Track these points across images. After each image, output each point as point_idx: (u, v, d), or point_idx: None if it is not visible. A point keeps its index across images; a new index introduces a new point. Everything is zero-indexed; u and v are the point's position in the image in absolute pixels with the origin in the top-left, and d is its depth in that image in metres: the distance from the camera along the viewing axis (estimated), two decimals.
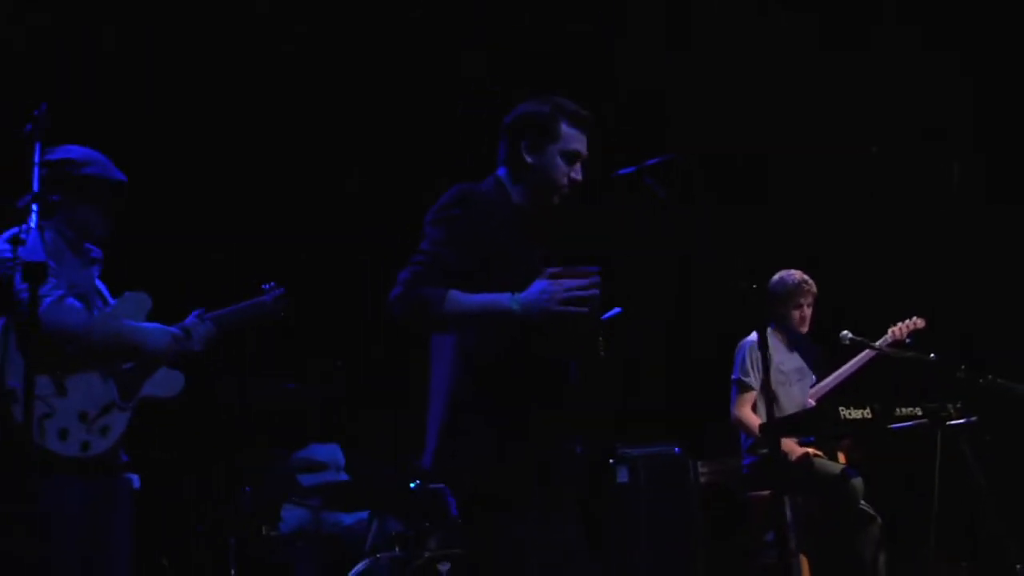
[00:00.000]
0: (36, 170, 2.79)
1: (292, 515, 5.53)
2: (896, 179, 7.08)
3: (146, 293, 3.36)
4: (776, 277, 5.31)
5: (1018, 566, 6.20)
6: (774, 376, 5.26)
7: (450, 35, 6.80)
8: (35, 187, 2.73)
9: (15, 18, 5.76)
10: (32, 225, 2.56)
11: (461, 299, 2.74)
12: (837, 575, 5.07)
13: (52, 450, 2.98)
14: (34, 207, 2.64)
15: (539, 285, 2.74)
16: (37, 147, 2.87)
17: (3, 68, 5.55)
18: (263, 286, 3.84)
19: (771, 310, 5.36)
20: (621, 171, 3.44)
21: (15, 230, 3.17)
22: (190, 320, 3.50)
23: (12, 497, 2.68)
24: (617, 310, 4.49)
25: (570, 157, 2.97)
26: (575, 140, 2.98)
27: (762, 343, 3.40)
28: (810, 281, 5.30)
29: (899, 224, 6.75)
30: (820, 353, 5.52)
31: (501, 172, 3.03)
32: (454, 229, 2.82)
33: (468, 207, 2.87)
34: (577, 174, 2.99)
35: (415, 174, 6.66)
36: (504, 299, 2.74)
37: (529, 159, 2.97)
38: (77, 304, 3.08)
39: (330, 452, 5.88)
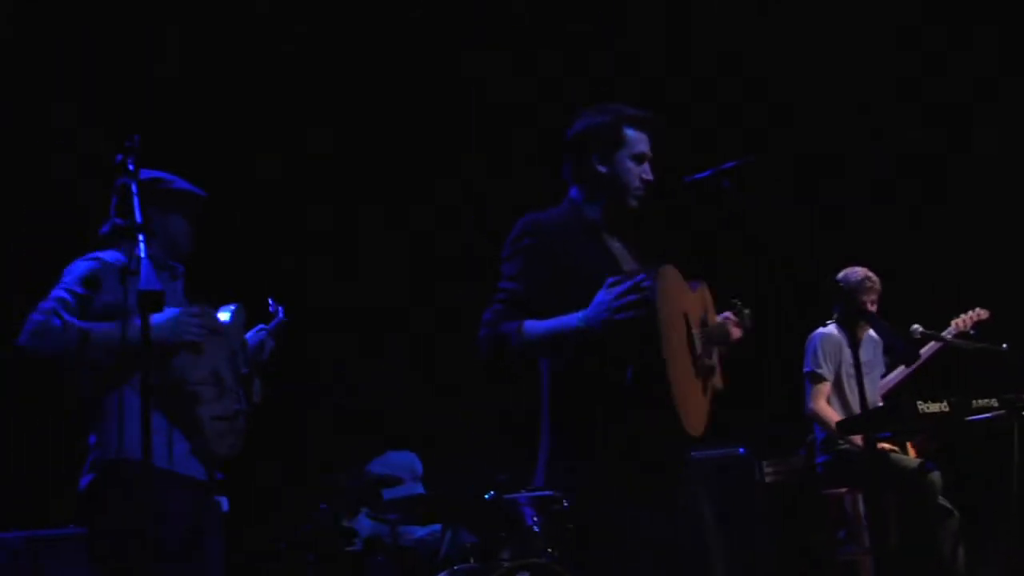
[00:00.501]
0: (136, 200, 2.83)
1: (366, 527, 5.57)
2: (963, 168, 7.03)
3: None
4: (840, 274, 5.29)
5: None
6: (844, 370, 5.26)
7: (451, 35, 6.84)
8: (138, 218, 2.77)
9: (14, 18, 5.85)
10: (142, 255, 2.60)
11: (534, 328, 2.81)
12: (916, 572, 5.03)
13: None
14: (140, 237, 2.69)
15: (597, 297, 2.78)
16: (134, 181, 2.90)
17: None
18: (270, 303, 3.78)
19: (834, 307, 5.35)
20: (697, 175, 3.43)
21: (95, 254, 3.24)
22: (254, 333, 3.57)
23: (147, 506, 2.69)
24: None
25: (638, 159, 3.04)
26: (640, 142, 3.05)
27: (852, 341, 3.38)
28: (874, 277, 5.28)
29: (961, 214, 6.70)
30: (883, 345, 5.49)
31: (573, 193, 3.09)
32: (525, 260, 2.90)
33: (536, 235, 2.94)
34: (647, 174, 3.05)
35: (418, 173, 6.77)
36: (571, 319, 2.79)
37: (602, 169, 3.02)
38: (55, 323, 3.03)
39: (407, 460, 5.92)
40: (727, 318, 3.15)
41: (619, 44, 6.84)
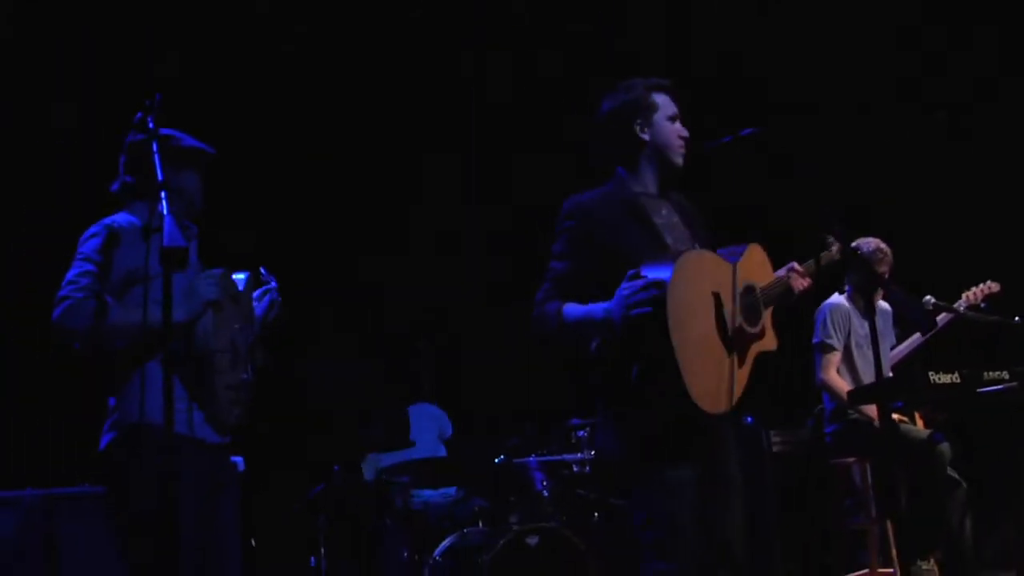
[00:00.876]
0: (157, 158, 2.83)
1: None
2: (966, 142, 7.02)
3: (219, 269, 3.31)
4: (855, 243, 5.28)
5: None
6: (853, 340, 5.27)
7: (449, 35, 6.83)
8: (159, 175, 2.76)
9: (15, 18, 5.83)
10: (165, 211, 2.60)
11: (571, 313, 2.96)
12: (923, 542, 5.05)
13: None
14: (163, 194, 2.69)
15: (618, 291, 2.89)
16: (155, 140, 2.90)
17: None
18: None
19: (847, 277, 5.36)
20: (715, 142, 3.44)
21: (112, 219, 3.24)
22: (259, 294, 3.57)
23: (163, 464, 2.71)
24: None
25: (672, 119, 3.20)
26: (669, 104, 3.22)
27: (868, 309, 3.38)
28: (886, 248, 5.27)
29: (973, 187, 6.69)
30: (895, 315, 5.49)
31: (620, 171, 3.21)
32: (569, 241, 3.04)
33: (577, 217, 3.07)
34: (683, 131, 3.21)
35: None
36: (598, 310, 2.92)
37: (645, 136, 3.17)
38: (90, 305, 3.02)
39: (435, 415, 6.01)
40: (791, 269, 3.24)
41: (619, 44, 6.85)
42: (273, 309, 3.56)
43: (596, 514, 5.39)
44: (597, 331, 2.94)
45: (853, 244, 5.22)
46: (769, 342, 3.18)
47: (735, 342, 3.04)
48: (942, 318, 5.29)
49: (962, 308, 5.30)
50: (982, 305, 5.38)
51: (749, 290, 3.12)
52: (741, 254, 3.15)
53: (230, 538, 3.29)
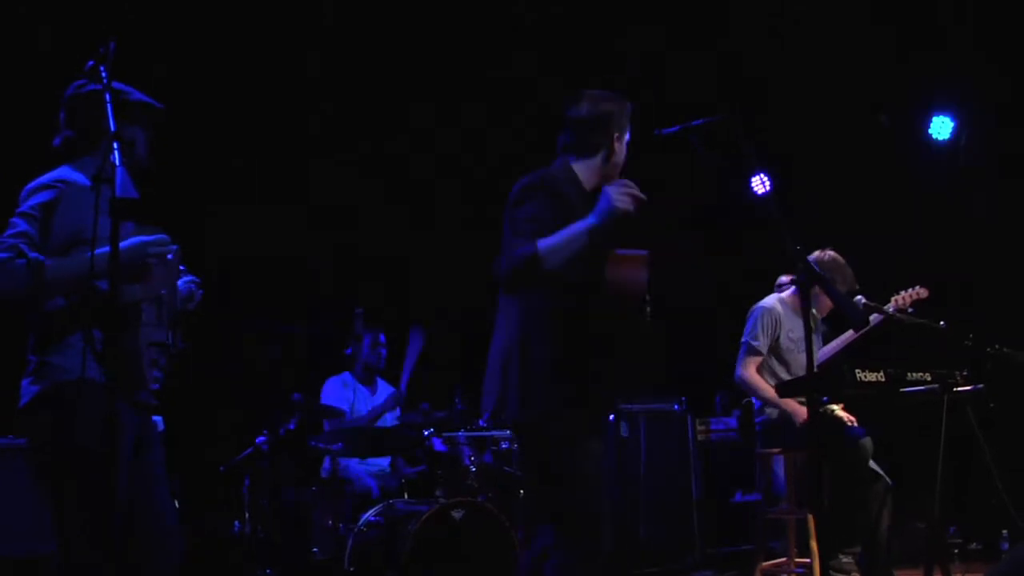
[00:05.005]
0: (110, 108, 2.77)
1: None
2: (902, 148, 7.20)
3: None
4: (813, 255, 5.37)
5: (1005, 532, 6.44)
6: (784, 343, 5.38)
7: None
8: (112, 126, 2.70)
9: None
10: (117, 162, 2.55)
11: (549, 239, 3.19)
12: (843, 534, 5.18)
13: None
14: (115, 145, 2.63)
15: (604, 192, 3.25)
16: (107, 89, 2.84)
17: None
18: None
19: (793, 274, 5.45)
20: (666, 130, 3.49)
21: (55, 175, 3.16)
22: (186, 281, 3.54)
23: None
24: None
25: (625, 145, 3.54)
26: (628, 131, 3.55)
27: (805, 305, 3.46)
28: (843, 263, 5.38)
29: (905, 193, 6.86)
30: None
31: (571, 159, 3.50)
32: (540, 203, 3.30)
33: (545, 186, 3.36)
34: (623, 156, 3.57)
35: None
36: (581, 223, 3.22)
37: (612, 147, 3.49)
38: (19, 264, 2.93)
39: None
40: None
41: None
42: (193, 300, 3.52)
43: (522, 491, 5.44)
44: (579, 243, 3.19)
45: (813, 256, 5.36)
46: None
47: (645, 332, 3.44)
48: (874, 318, 5.41)
49: (891, 310, 5.43)
50: (910, 310, 5.51)
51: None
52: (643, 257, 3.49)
53: (159, 493, 3.26)
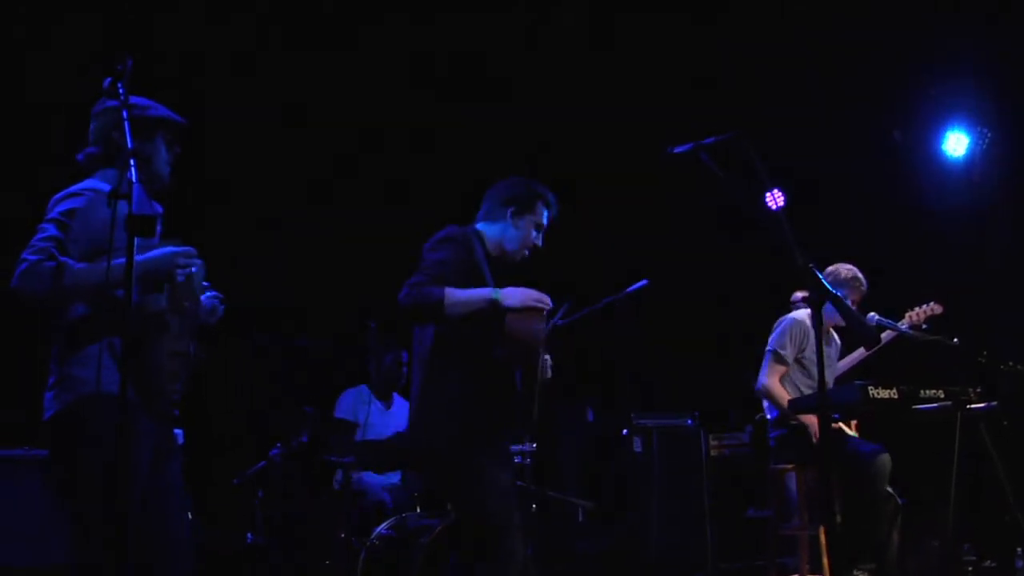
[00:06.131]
0: (127, 126, 2.80)
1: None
2: (915, 164, 7.20)
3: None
4: (831, 268, 5.39)
5: (1019, 549, 6.40)
6: (807, 357, 5.37)
7: None
8: (130, 143, 2.74)
9: None
10: (133, 179, 2.58)
11: (455, 291, 3.57)
12: (855, 551, 5.16)
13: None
14: (132, 161, 2.66)
15: (512, 288, 3.63)
16: (125, 106, 2.87)
17: None
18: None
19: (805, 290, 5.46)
20: (678, 148, 3.50)
21: (84, 184, 3.21)
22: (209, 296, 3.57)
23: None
24: (644, 282, 4.59)
25: (537, 227, 3.92)
26: (543, 217, 3.94)
27: (816, 321, 3.46)
28: (861, 278, 5.37)
29: (918, 211, 6.85)
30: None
31: (480, 227, 3.91)
32: (449, 253, 3.67)
33: (460, 242, 3.73)
34: (536, 242, 3.94)
35: None
36: (486, 291, 3.62)
37: (511, 223, 3.89)
38: (47, 267, 2.97)
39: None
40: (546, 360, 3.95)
41: None
42: (215, 315, 3.56)
43: (534, 506, 5.44)
44: (478, 306, 3.57)
45: (830, 268, 5.36)
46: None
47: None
48: (886, 335, 5.40)
49: (905, 327, 5.42)
50: (924, 326, 5.50)
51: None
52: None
53: (175, 507, 3.27)
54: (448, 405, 3.63)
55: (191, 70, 6.28)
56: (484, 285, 3.69)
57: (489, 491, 3.60)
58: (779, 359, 5.33)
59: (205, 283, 3.43)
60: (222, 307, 3.54)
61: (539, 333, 3.63)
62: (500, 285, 3.74)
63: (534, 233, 3.92)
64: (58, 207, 3.08)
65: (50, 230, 3.02)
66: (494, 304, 3.57)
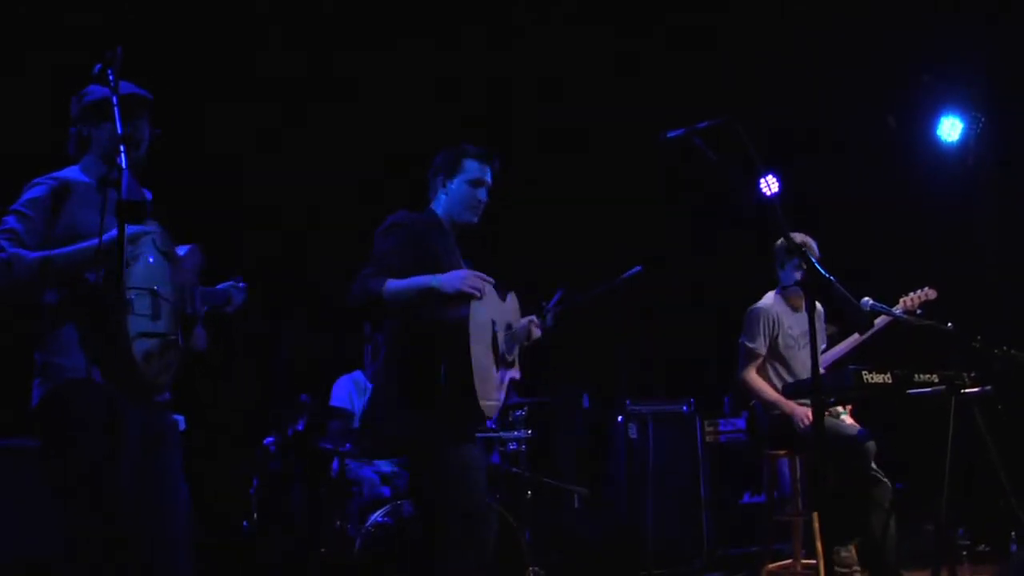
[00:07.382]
0: (117, 111, 2.80)
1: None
2: (910, 149, 7.19)
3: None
4: (799, 237, 5.33)
5: (1013, 533, 6.42)
6: (783, 341, 5.37)
7: None
8: (119, 129, 2.74)
9: None
10: (124, 165, 2.58)
11: (398, 282, 3.57)
12: (845, 536, 5.18)
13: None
14: (122, 148, 2.66)
15: (456, 271, 3.65)
16: (115, 92, 2.86)
17: None
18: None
19: (776, 273, 5.46)
20: (671, 133, 3.50)
21: (68, 171, 3.20)
22: (226, 285, 3.57)
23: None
24: (637, 268, 4.58)
25: (474, 183, 3.88)
26: (476, 171, 3.89)
27: (810, 306, 3.45)
28: (810, 243, 5.28)
29: (913, 195, 6.85)
30: (826, 313, 5.59)
31: (432, 208, 3.93)
32: (397, 241, 3.67)
33: (408, 225, 3.74)
34: (481, 196, 3.90)
35: None
36: (429, 279, 3.60)
37: (444, 190, 3.91)
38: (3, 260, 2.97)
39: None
40: (531, 321, 4.05)
41: None
42: (230, 302, 3.58)
43: (529, 492, 5.45)
44: (419, 295, 3.57)
45: (799, 238, 5.29)
46: (515, 372, 4.00)
47: (499, 364, 3.85)
48: (880, 320, 5.40)
49: (899, 312, 5.42)
50: (918, 311, 5.50)
51: (508, 326, 3.95)
52: (508, 299, 3.98)
53: (171, 491, 3.25)
54: (406, 394, 3.65)
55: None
56: (440, 267, 3.67)
57: (456, 478, 3.60)
58: (751, 352, 5.35)
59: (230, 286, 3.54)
60: (240, 296, 3.56)
61: (464, 320, 3.61)
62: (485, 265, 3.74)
63: (476, 192, 3.88)
64: (26, 194, 3.09)
65: (9, 222, 3.03)
66: (434, 291, 3.57)
